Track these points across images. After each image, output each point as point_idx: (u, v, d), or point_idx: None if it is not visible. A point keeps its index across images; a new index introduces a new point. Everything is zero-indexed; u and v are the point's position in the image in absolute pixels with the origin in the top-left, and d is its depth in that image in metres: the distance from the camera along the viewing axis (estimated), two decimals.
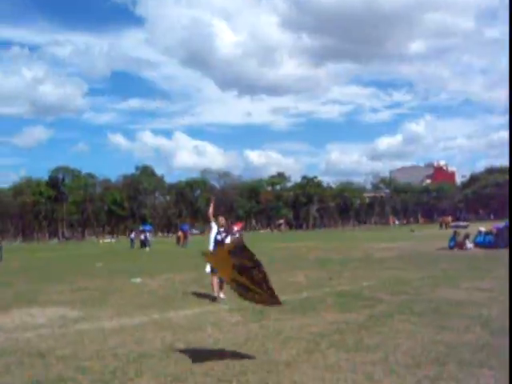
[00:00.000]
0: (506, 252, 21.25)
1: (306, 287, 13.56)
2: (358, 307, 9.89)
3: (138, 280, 16.66)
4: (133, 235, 49.15)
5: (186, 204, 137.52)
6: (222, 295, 11.57)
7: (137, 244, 47.16)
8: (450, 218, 77.81)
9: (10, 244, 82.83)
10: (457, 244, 25.74)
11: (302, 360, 6.25)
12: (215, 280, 11.51)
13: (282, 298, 11.24)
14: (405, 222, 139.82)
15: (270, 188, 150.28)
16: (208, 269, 11.56)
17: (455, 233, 26.83)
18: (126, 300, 12.31)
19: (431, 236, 45.55)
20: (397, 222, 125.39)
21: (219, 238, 12.01)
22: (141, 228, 53.19)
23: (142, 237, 46.85)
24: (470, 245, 25.96)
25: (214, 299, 11.58)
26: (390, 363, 5.94)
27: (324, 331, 7.83)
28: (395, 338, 7.21)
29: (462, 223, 62.85)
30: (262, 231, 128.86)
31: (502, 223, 27.79)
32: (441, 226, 72.81)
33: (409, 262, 19.91)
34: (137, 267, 22.87)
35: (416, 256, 22.61)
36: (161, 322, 9.17)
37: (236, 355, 6.60)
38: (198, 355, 6.63)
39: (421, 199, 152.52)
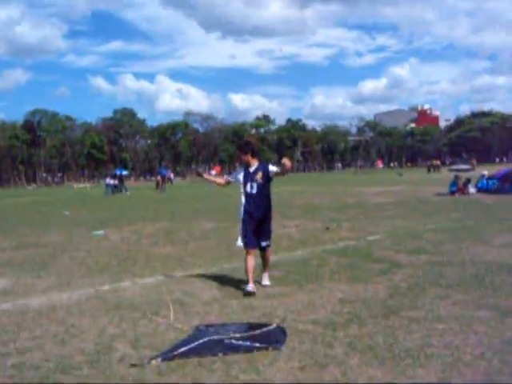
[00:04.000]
0: None
1: (299, 242, 11.17)
2: (372, 274, 7.51)
3: (101, 232, 14.20)
4: (108, 180, 46.46)
5: (168, 147, 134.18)
6: (266, 281, 7.25)
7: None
8: (438, 162, 75.89)
9: None
10: (458, 189, 23.47)
11: None
12: (250, 261, 6.97)
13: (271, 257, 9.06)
14: (392, 165, 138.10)
15: (253, 131, 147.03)
16: (239, 242, 7.13)
17: (456, 177, 24.50)
18: (76, 261, 9.83)
19: (422, 180, 43.52)
20: (380, 166, 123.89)
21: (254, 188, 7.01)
22: (115, 172, 50.33)
23: (112, 182, 44.62)
24: (472, 189, 23.75)
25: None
26: None
27: (331, 320, 5.41)
28: (443, 334, 4.82)
29: (463, 166, 60.29)
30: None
31: (503, 167, 25.50)
32: (429, 169, 70.94)
33: (411, 209, 17.60)
34: (105, 216, 20.37)
35: (416, 202, 20.31)
36: (107, 299, 6.72)
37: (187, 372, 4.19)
38: (137, 373, 4.21)
39: (405, 143, 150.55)
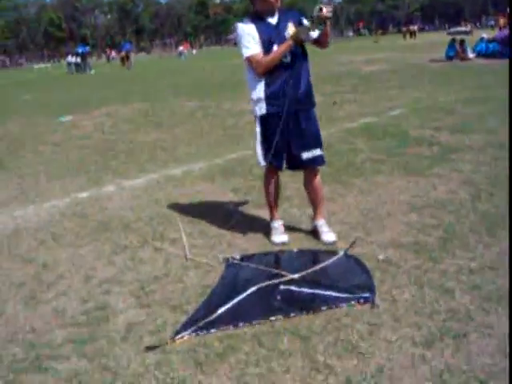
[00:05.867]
0: None
1: None
2: (427, 163, 5.81)
3: (68, 118, 12.19)
4: (69, 58, 43.03)
5: (130, 21, 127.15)
6: (330, 235, 3.95)
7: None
8: (415, 27, 72.61)
9: None
10: (457, 54, 21.50)
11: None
12: (271, 184, 4.08)
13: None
14: (362, 32, 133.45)
15: (218, 0, 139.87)
16: (261, 158, 3.93)
17: (453, 40, 22.37)
18: (42, 158, 7.98)
19: (403, 47, 40.96)
20: (350, 34, 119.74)
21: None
22: (76, 50, 46.54)
23: (74, 60, 41.55)
24: (471, 54, 21.77)
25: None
26: None
27: (419, 240, 3.81)
28: None
29: (462, 28, 56.20)
30: (212, 47, 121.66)
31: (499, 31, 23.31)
32: (404, 36, 67.96)
33: (413, 77, 15.70)
34: (71, 98, 18.10)
35: (414, 70, 18.33)
36: (88, 214, 4.98)
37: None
38: (156, 364, 2.58)
39: (376, 9, 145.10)
